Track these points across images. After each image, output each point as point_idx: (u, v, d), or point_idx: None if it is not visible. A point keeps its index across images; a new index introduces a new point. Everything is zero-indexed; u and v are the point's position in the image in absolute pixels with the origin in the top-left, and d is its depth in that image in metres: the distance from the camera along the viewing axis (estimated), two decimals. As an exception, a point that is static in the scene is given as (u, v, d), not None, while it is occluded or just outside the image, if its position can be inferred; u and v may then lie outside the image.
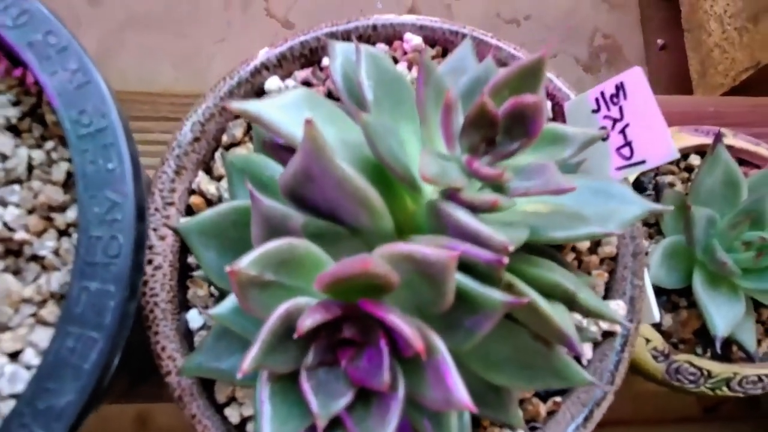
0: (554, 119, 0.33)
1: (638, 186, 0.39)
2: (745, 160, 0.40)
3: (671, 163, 0.40)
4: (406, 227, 0.24)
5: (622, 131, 0.30)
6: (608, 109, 0.30)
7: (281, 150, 0.22)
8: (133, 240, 0.21)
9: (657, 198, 0.38)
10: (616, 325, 0.29)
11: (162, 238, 0.28)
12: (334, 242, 0.22)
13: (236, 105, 0.20)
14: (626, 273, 0.30)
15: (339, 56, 0.28)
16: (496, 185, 0.21)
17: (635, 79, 0.29)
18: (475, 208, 0.20)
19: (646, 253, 0.38)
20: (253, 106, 0.21)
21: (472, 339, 0.20)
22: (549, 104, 0.33)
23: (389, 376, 0.18)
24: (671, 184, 0.39)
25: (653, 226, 0.39)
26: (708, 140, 0.39)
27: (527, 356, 0.23)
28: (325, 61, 0.32)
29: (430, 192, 0.23)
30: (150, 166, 0.49)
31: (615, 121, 0.30)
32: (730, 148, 0.40)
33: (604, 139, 0.31)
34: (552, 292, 0.23)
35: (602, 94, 0.30)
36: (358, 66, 0.26)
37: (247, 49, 0.84)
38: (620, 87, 0.29)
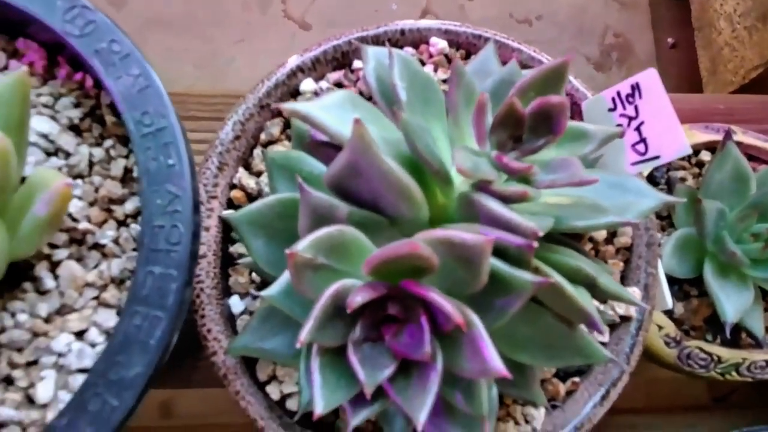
0: (572, 118, 0.35)
1: (651, 180, 0.41)
2: (753, 155, 0.42)
3: (683, 158, 0.42)
4: (438, 219, 0.26)
5: (638, 128, 0.32)
6: (624, 107, 0.32)
7: (324, 147, 0.24)
8: (191, 230, 0.23)
9: (669, 192, 0.40)
10: (632, 310, 0.31)
11: (206, 229, 0.30)
12: (376, 231, 0.24)
13: (288, 107, 0.22)
14: (641, 262, 0.32)
15: (372, 60, 0.30)
16: (524, 178, 0.23)
17: (650, 79, 0.30)
18: (505, 199, 0.22)
19: (659, 245, 0.40)
20: (302, 107, 0.23)
21: (503, 317, 0.22)
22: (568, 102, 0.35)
23: (430, 348, 0.20)
24: (683, 179, 0.41)
25: (665, 219, 0.41)
26: (718, 137, 0.41)
27: (551, 336, 0.25)
28: (356, 64, 0.34)
29: (460, 185, 0.25)
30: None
31: (630, 119, 0.32)
32: (739, 144, 0.41)
33: (620, 136, 0.33)
34: (575, 277, 0.25)
35: (618, 93, 0.32)
36: (392, 69, 0.28)
37: (266, 49, 0.86)
38: (635, 87, 0.31)
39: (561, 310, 0.24)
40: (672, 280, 0.39)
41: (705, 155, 0.41)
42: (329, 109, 0.23)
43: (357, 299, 0.19)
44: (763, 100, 0.57)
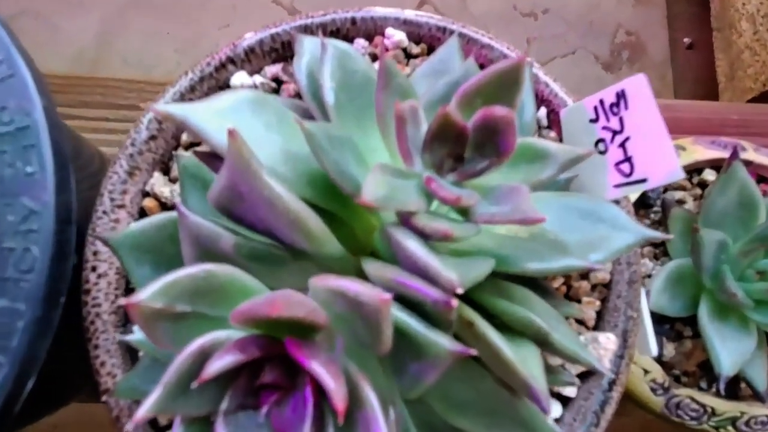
0: (550, 127, 0.30)
1: (644, 202, 0.36)
2: (765, 177, 0.36)
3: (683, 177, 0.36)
4: (371, 247, 0.22)
5: (622, 145, 0.27)
6: (607, 119, 0.27)
7: (213, 159, 0.19)
8: (51, 253, 0.19)
9: (664, 216, 0.35)
10: (605, 360, 0.26)
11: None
12: (276, 265, 0.19)
13: (161, 108, 0.18)
14: (620, 303, 0.27)
15: (306, 53, 0.25)
16: (461, 208, 0.19)
17: (638, 87, 0.25)
18: (427, 236, 0.17)
19: (650, 276, 0.35)
20: (179, 109, 0.18)
21: (418, 386, 0.17)
22: (544, 111, 0.30)
23: (313, 428, 0.16)
24: (680, 201, 0.36)
25: (659, 246, 0.36)
26: (725, 154, 0.36)
27: (491, 402, 0.20)
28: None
29: (386, 212, 0.20)
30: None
31: (614, 133, 0.27)
32: (749, 163, 0.36)
33: (602, 152, 0.28)
34: (524, 330, 0.20)
35: (601, 102, 0.27)
36: (322, 66, 0.23)
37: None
38: (621, 95, 0.26)
39: (501, 375, 0.19)
40: (663, 318, 0.34)
41: (709, 174, 0.36)
42: (221, 113, 0.19)
43: (213, 367, 0.15)
44: (782, 111, 0.51)
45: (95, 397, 0.40)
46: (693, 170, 0.36)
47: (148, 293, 0.15)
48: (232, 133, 0.16)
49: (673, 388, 0.34)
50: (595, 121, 0.27)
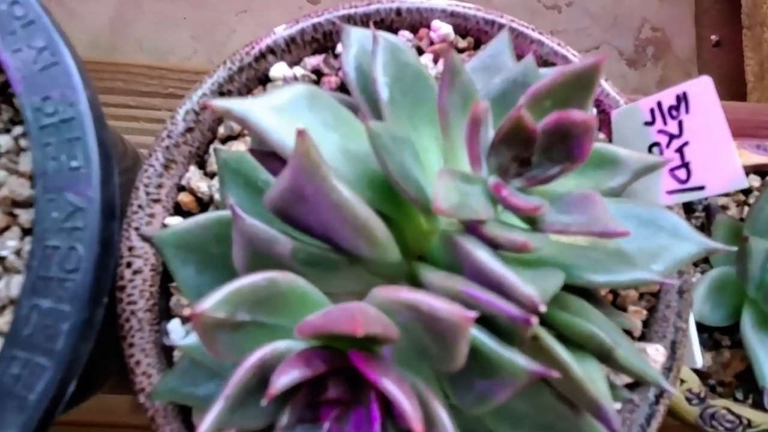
0: (599, 128, 0.29)
1: (686, 207, 0.35)
2: (812, 184, 0.35)
3: (726, 182, 0.35)
4: (421, 251, 0.21)
5: (680, 150, 0.26)
6: (665, 122, 0.26)
7: (273, 159, 0.18)
8: (96, 252, 0.18)
9: (708, 222, 0.34)
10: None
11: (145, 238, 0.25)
12: (331, 270, 0.18)
13: (220, 104, 0.17)
14: (669, 313, 0.26)
15: (354, 45, 0.24)
16: (529, 217, 0.18)
17: (703, 90, 0.24)
18: (499, 246, 0.16)
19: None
20: (239, 105, 0.17)
21: (486, 405, 0.16)
22: (594, 111, 0.29)
23: (380, 448, 0.15)
24: (724, 207, 0.35)
25: (699, 253, 0.34)
26: (772, 159, 0.34)
27: (549, 417, 0.19)
28: (340, 48, 0.28)
29: (447, 218, 0.19)
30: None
31: (671, 137, 0.26)
32: (796, 170, 0.35)
33: (661, 166, 0.27)
34: (585, 344, 0.19)
35: (659, 104, 0.26)
36: (374, 59, 0.22)
37: (269, 22, 0.80)
38: (682, 98, 0.25)
39: (565, 391, 0.18)
40: (700, 327, 0.33)
41: (753, 180, 0.35)
42: (278, 110, 0.18)
43: (279, 382, 0.14)
44: (820, 115, 0.50)
45: (116, 389, 0.40)
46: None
47: (212, 303, 0.14)
48: (301, 134, 0.15)
49: (708, 398, 0.33)
50: (650, 123, 0.26)
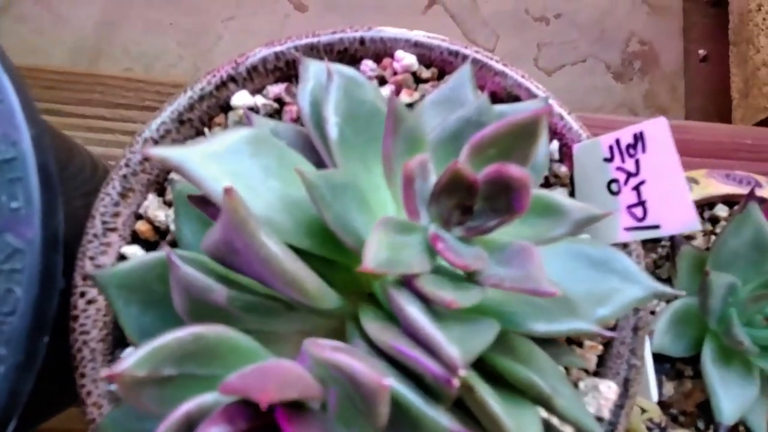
0: (561, 161, 0.29)
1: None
2: (780, 215, 0.35)
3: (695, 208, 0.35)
4: (370, 289, 0.21)
5: (637, 188, 0.26)
6: (623, 160, 0.26)
7: (209, 205, 0.18)
8: (35, 294, 0.18)
9: (673, 253, 0.34)
10: (604, 411, 0.26)
11: (99, 267, 0.25)
12: (271, 315, 0.18)
13: (157, 152, 0.17)
14: (623, 350, 0.26)
15: (311, 79, 0.24)
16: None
17: (659, 131, 0.24)
18: (430, 301, 0.16)
19: (653, 312, 0.34)
20: (176, 154, 0.17)
21: (414, 459, 0.16)
22: (556, 144, 0.29)
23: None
24: (690, 237, 0.35)
25: (665, 282, 0.35)
26: (740, 190, 0.34)
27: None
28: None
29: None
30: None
31: (629, 174, 0.26)
32: (763, 201, 0.35)
33: (615, 193, 0.27)
34: (526, 391, 0.19)
35: (618, 142, 0.26)
36: (326, 96, 0.22)
37: (255, 30, 0.80)
38: (639, 137, 0.25)
39: (500, 440, 0.18)
40: (663, 356, 0.33)
41: (721, 210, 0.35)
42: (217, 157, 0.18)
43: (198, 444, 0.14)
44: (798, 138, 0.50)
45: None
46: (705, 204, 0.35)
47: (132, 362, 0.14)
48: (228, 192, 0.15)
49: (669, 428, 0.33)
50: (609, 160, 0.26)
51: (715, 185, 0.35)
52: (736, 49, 0.69)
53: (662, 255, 0.35)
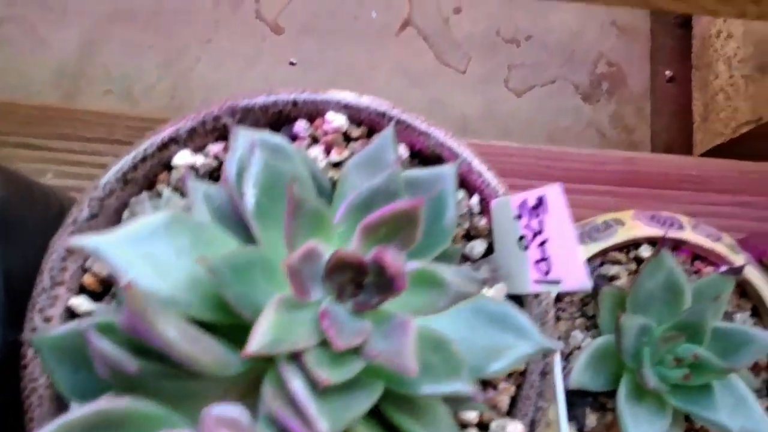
0: (482, 213, 0.31)
1: (580, 275, 0.37)
2: (701, 256, 0.38)
3: (621, 250, 0.38)
4: (264, 369, 0.23)
5: (542, 245, 0.28)
6: (529, 219, 0.28)
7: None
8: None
9: (595, 292, 0.36)
10: (512, 450, 0.28)
11: (47, 320, 0.27)
12: (181, 382, 0.21)
13: (76, 242, 0.19)
14: (532, 393, 0.29)
15: (239, 149, 0.26)
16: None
17: (555, 196, 0.26)
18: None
19: (579, 348, 0.36)
20: (93, 242, 0.19)
21: None
22: (476, 199, 0.31)
23: None
24: (612, 278, 0.37)
25: (591, 318, 0.37)
26: (662, 232, 0.37)
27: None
28: (242, 135, 0.31)
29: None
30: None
31: (535, 233, 0.28)
32: (685, 243, 0.37)
33: (525, 248, 0.29)
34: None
35: (525, 202, 0.28)
36: (248, 168, 0.24)
37: (233, 52, 0.81)
38: (541, 200, 0.27)
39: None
40: (586, 392, 0.35)
41: (645, 250, 0.37)
42: (132, 242, 0.20)
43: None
44: (740, 169, 0.52)
45: None
46: (630, 245, 0.37)
47: (41, 437, 0.17)
48: (127, 286, 0.17)
49: (595, 456, 0.35)
50: (519, 217, 0.28)
51: (639, 227, 0.37)
52: (698, 73, 0.71)
53: (588, 294, 0.37)
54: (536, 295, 0.29)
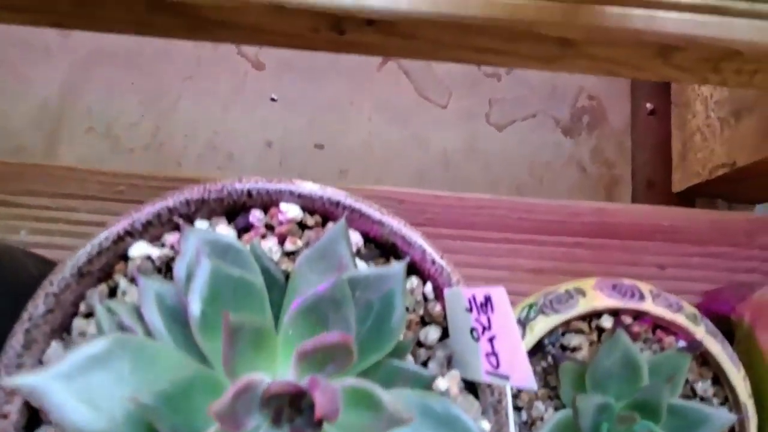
0: (437, 299, 0.31)
1: (540, 345, 0.37)
2: (662, 326, 0.38)
3: (583, 319, 0.38)
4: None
5: (491, 340, 0.28)
6: (478, 314, 0.28)
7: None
8: None
9: (555, 364, 0.36)
10: None
11: (4, 416, 0.28)
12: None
13: (9, 382, 0.19)
14: (484, 484, 0.29)
15: (189, 251, 0.27)
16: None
17: (499, 297, 0.27)
18: None
19: (542, 419, 0.36)
20: (28, 382, 0.20)
21: None
22: (430, 286, 0.31)
23: None
24: (574, 350, 0.37)
25: (553, 389, 0.37)
26: (623, 304, 0.37)
27: None
28: (198, 224, 0.31)
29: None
30: (71, 246, 0.49)
31: (484, 328, 0.28)
32: (645, 314, 0.37)
33: (476, 339, 0.29)
34: None
35: (474, 298, 0.28)
36: (194, 279, 0.25)
37: (214, 89, 0.82)
38: (488, 299, 0.27)
39: None
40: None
41: (606, 321, 0.37)
42: (67, 377, 0.20)
43: None
44: (711, 218, 0.52)
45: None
46: (592, 315, 0.38)
47: None
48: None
49: None
50: (469, 311, 0.29)
51: (600, 298, 0.37)
52: (677, 110, 0.71)
53: (550, 364, 0.37)
54: (489, 384, 0.30)
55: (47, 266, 0.40)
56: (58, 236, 0.49)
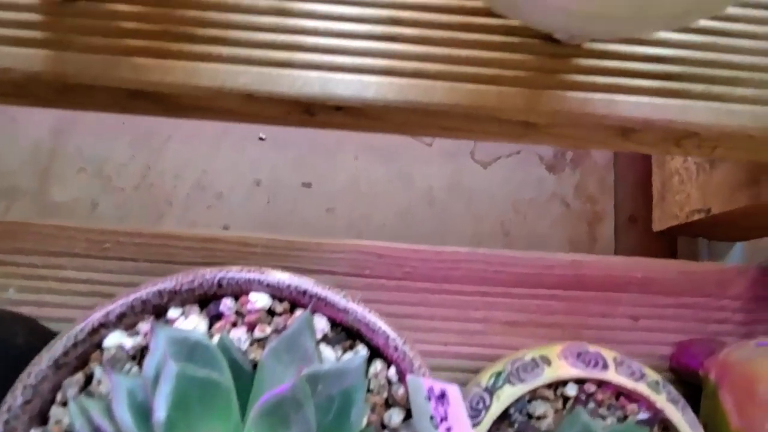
0: (401, 381, 0.33)
1: (507, 415, 0.38)
2: (625, 394, 0.39)
3: (549, 387, 0.39)
4: None
5: (448, 430, 0.29)
6: (436, 404, 0.29)
7: None
8: None
9: (521, 435, 0.37)
10: None
11: (-16, 505, 0.29)
12: None
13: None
14: None
15: (158, 350, 0.28)
16: None
17: (454, 394, 0.28)
18: None
19: (508, 486, 0.38)
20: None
21: None
22: (394, 370, 0.32)
23: None
24: (540, 418, 0.38)
25: (519, 456, 0.38)
26: (586, 374, 0.38)
27: None
28: (171, 313, 0.32)
29: None
30: (59, 304, 0.50)
31: (441, 418, 0.29)
32: (607, 384, 0.38)
33: (436, 427, 0.30)
34: None
35: (432, 389, 0.29)
36: (160, 382, 0.26)
37: (202, 130, 0.83)
38: (444, 393, 0.29)
39: None
40: None
41: (571, 389, 0.39)
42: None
43: None
44: (685, 269, 0.53)
45: None
46: (558, 383, 0.39)
47: None
48: None
49: None
50: (429, 399, 0.30)
51: (565, 368, 0.38)
52: (657, 149, 0.72)
53: (518, 430, 0.38)
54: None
55: (34, 335, 0.42)
56: (46, 294, 0.50)
